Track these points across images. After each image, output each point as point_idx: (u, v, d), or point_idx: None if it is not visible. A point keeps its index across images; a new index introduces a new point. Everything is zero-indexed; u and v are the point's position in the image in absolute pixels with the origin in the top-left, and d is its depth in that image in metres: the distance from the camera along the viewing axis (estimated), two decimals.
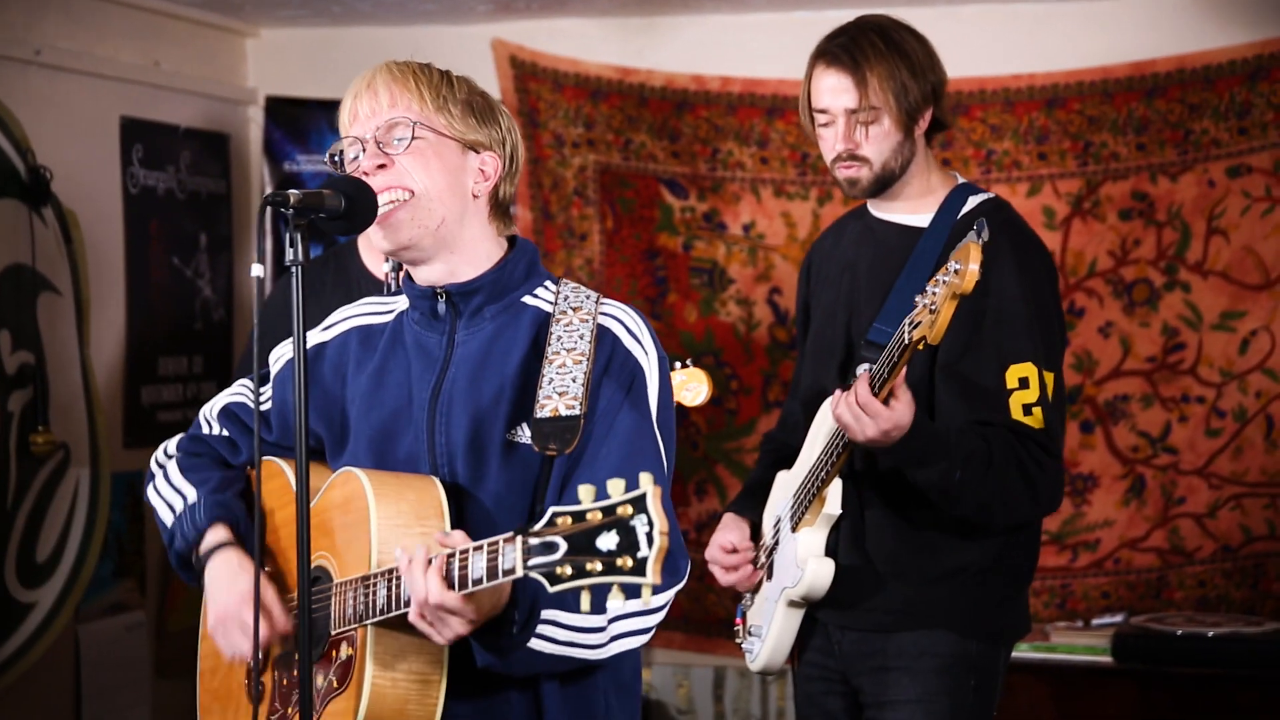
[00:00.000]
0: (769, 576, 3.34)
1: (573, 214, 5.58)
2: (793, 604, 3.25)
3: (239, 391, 2.75)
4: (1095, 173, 5.11)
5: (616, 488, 2.02)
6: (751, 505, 3.45)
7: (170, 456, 2.73)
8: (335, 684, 2.38)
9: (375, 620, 2.33)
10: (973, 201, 3.23)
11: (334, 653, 2.40)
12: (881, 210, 3.32)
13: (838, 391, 3.01)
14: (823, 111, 3.23)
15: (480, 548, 2.17)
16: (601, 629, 2.37)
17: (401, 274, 2.62)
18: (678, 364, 3.80)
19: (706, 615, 5.53)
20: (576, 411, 2.35)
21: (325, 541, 2.47)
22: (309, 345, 2.62)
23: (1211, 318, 5.07)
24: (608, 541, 2.00)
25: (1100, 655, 4.64)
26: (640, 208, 5.53)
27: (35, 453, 4.69)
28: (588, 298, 2.53)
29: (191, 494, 2.63)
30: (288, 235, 2.27)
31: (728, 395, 5.49)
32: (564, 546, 2.03)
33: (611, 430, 2.42)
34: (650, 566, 1.97)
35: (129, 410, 5.17)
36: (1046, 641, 4.79)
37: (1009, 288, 3.10)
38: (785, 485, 3.35)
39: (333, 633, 2.41)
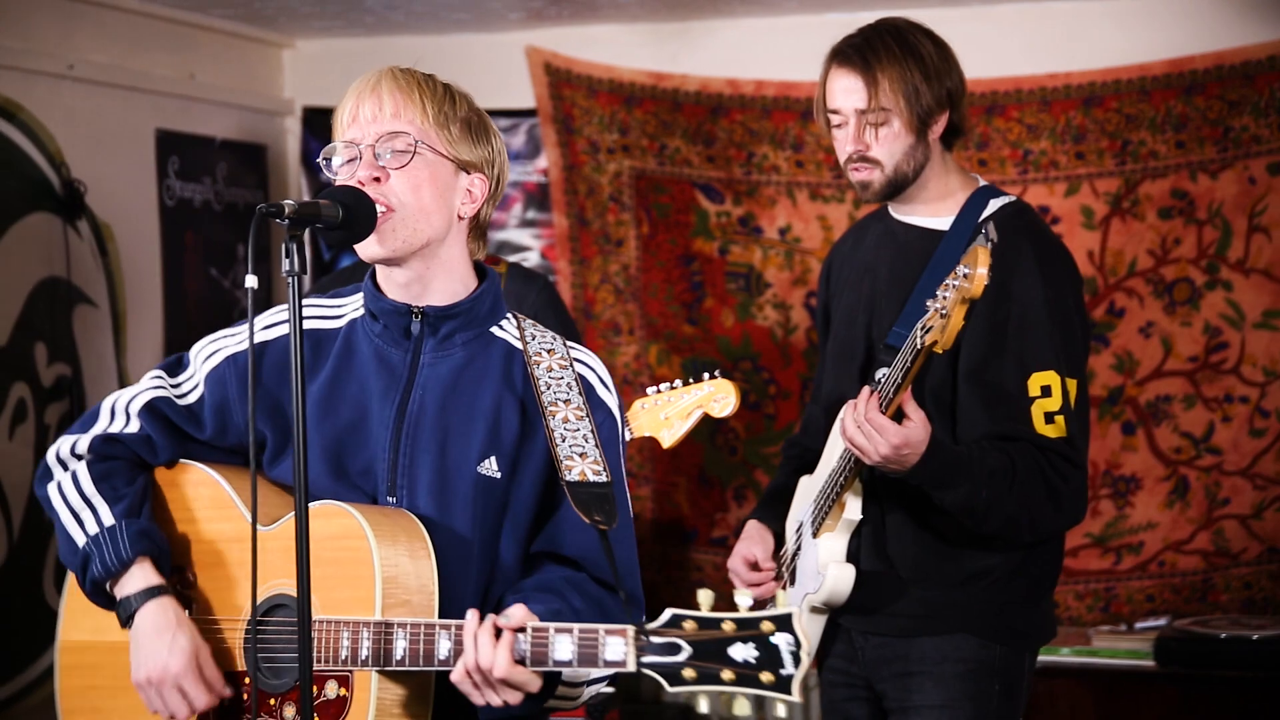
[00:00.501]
0: (792, 583, 3.32)
1: (608, 220, 5.56)
2: (815, 610, 3.22)
3: (158, 386, 2.60)
4: (1134, 171, 5.03)
5: (745, 600, 2.15)
6: (775, 512, 3.42)
7: (79, 457, 2.57)
8: None
9: (390, 670, 2.31)
10: (994, 204, 3.18)
11: (315, 689, 2.34)
12: (902, 213, 3.28)
13: (848, 404, 2.99)
14: (835, 112, 3.20)
15: (567, 630, 2.19)
16: (588, 683, 2.40)
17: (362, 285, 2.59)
18: (705, 375, 3.76)
19: None
20: (605, 479, 2.38)
21: (288, 569, 2.37)
22: (246, 345, 2.56)
23: (1254, 316, 5.00)
24: (743, 653, 2.07)
25: (1143, 659, 4.61)
26: (676, 213, 5.50)
27: None
28: (553, 339, 2.55)
29: (107, 515, 2.50)
30: (285, 245, 2.24)
31: (766, 400, 5.45)
32: (688, 650, 2.09)
33: None
34: (795, 684, 2.06)
35: None
36: (1088, 645, 4.74)
37: (1032, 294, 3.06)
38: (807, 491, 3.33)
39: (317, 669, 2.34)
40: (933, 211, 3.22)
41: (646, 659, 2.11)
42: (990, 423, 3.04)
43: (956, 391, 3.09)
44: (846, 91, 3.16)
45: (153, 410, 2.57)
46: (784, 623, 2.07)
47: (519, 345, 2.53)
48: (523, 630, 2.22)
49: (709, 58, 5.46)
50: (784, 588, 3.35)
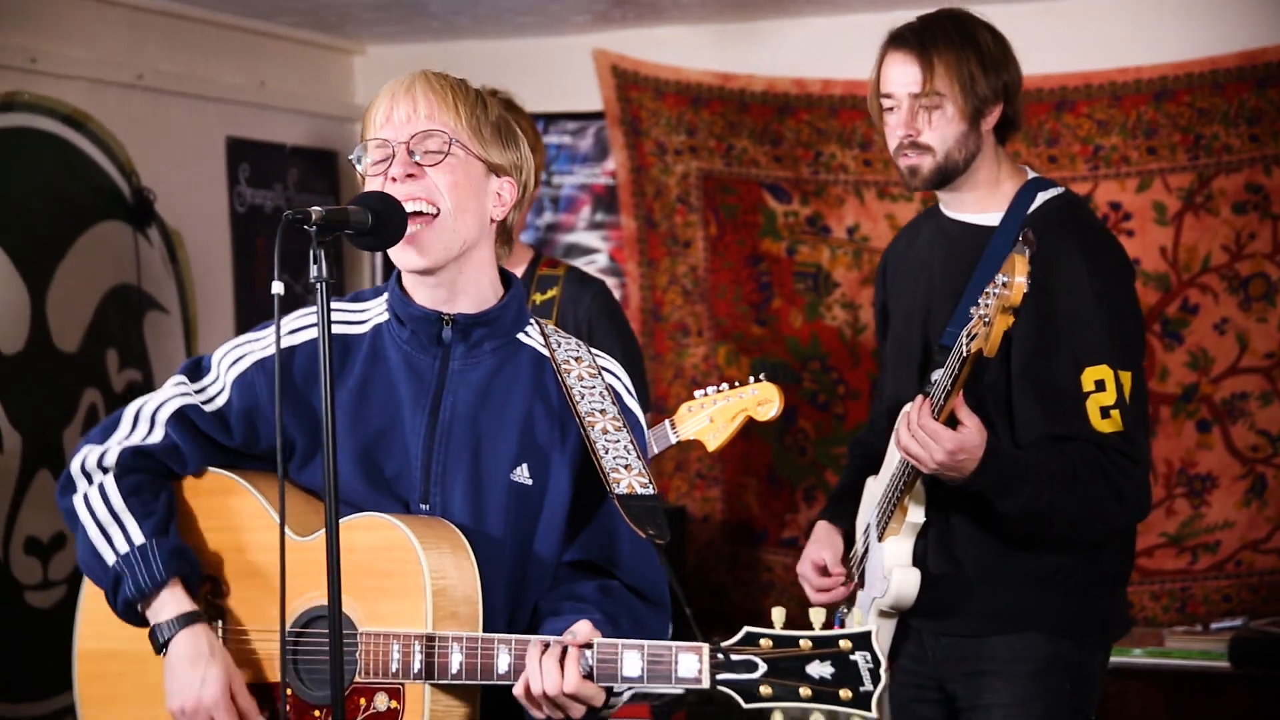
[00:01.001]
0: (861, 585, 3.30)
1: (676, 221, 5.55)
2: (884, 614, 3.19)
3: (184, 393, 2.55)
4: (1207, 166, 4.95)
5: (818, 618, 2.12)
6: (843, 512, 3.40)
7: (105, 470, 2.53)
8: None
9: (444, 683, 2.30)
10: (1042, 198, 3.14)
11: (361, 700, 2.34)
12: (953, 210, 3.25)
13: (902, 414, 2.96)
14: (888, 96, 3.17)
15: (636, 647, 2.19)
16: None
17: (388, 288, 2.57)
18: (751, 379, 3.75)
19: None
20: (652, 490, 2.36)
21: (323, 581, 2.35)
22: (273, 350, 2.48)
23: None
24: (821, 670, 2.08)
25: (1216, 660, 4.54)
26: (743, 213, 5.48)
27: None
28: (577, 345, 2.54)
29: (137, 533, 2.47)
30: (312, 252, 2.21)
31: (835, 400, 5.42)
32: (764, 667, 2.10)
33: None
34: (874, 702, 2.07)
35: None
36: (1161, 646, 4.68)
37: (1079, 288, 3.02)
38: (873, 492, 3.30)
39: (359, 680, 2.34)
40: (983, 207, 3.19)
41: (722, 676, 2.12)
42: (1045, 422, 3.02)
43: (1010, 388, 3.06)
44: (901, 75, 3.14)
45: (181, 419, 2.53)
46: (862, 641, 2.09)
47: (545, 352, 2.51)
48: (589, 646, 2.21)
49: (775, 58, 5.44)
50: (857, 591, 3.33)
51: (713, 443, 3.75)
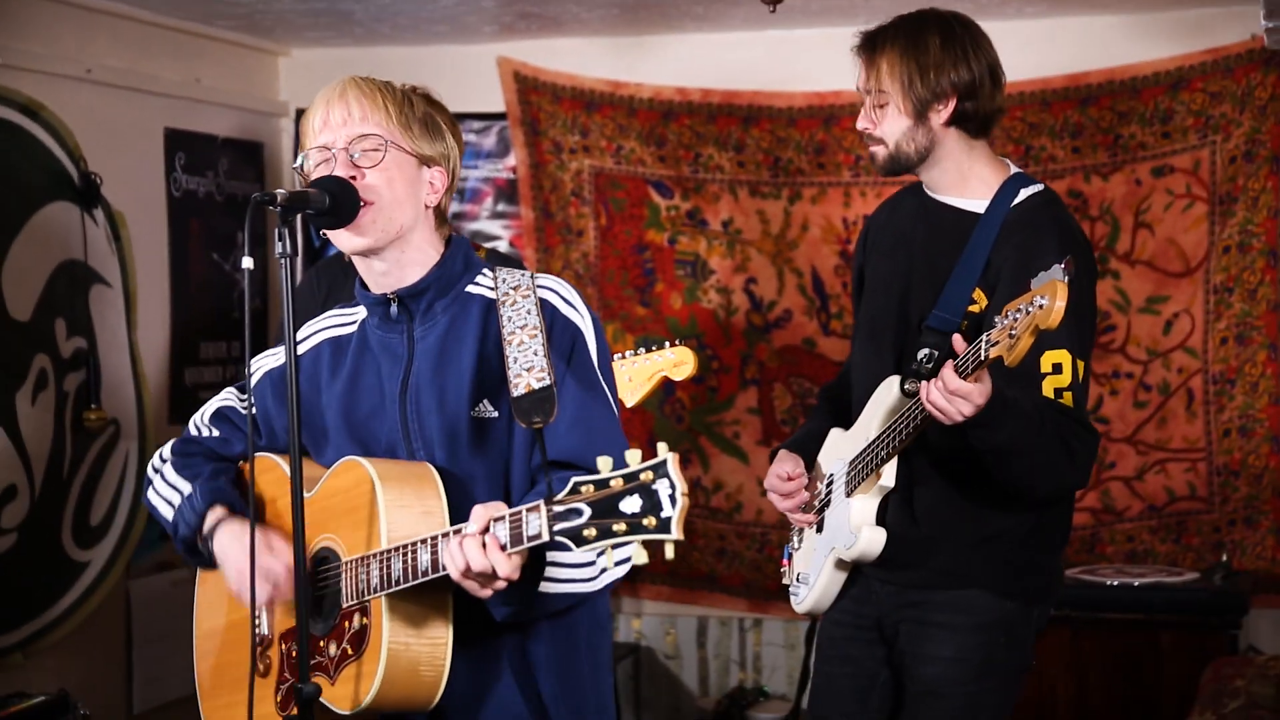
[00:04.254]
0: (819, 530, 3.23)
1: (570, 213, 5.60)
2: (840, 564, 3.16)
3: (227, 398, 2.73)
4: (1035, 173, 5.05)
5: (634, 457, 2.04)
6: (808, 451, 3.31)
7: (165, 460, 2.70)
8: (350, 651, 2.37)
9: (394, 590, 2.32)
10: (1024, 193, 3.08)
11: (346, 624, 2.39)
12: (937, 192, 3.18)
13: (923, 385, 2.83)
14: (859, 93, 3.17)
15: (502, 519, 2.19)
16: (593, 563, 2.37)
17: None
18: (667, 344, 3.80)
19: (691, 571, 5.57)
20: (548, 381, 2.34)
21: (332, 524, 2.45)
22: (282, 360, 2.61)
23: (1139, 302, 5.09)
24: (631, 505, 2.02)
25: None
26: (630, 207, 5.55)
27: (89, 428, 4.74)
28: (524, 275, 2.53)
29: (186, 487, 2.62)
30: (277, 230, 2.27)
31: (709, 374, 5.51)
32: (588, 512, 2.06)
33: (561, 395, 2.41)
34: (675, 523, 2.00)
35: (174, 390, 5.21)
36: None
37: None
38: (839, 445, 3.23)
39: (344, 605, 2.40)
40: (960, 191, 3.13)
41: (558, 527, 2.09)
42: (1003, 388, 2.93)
43: None
44: (859, 74, 3.14)
45: (221, 416, 2.70)
46: (661, 469, 2.02)
47: (493, 295, 2.51)
48: (487, 530, 2.21)
49: (661, 68, 5.50)
50: (810, 533, 3.26)
51: (630, 399, 3.72)
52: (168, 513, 2.64)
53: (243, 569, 2.47)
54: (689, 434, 5.54)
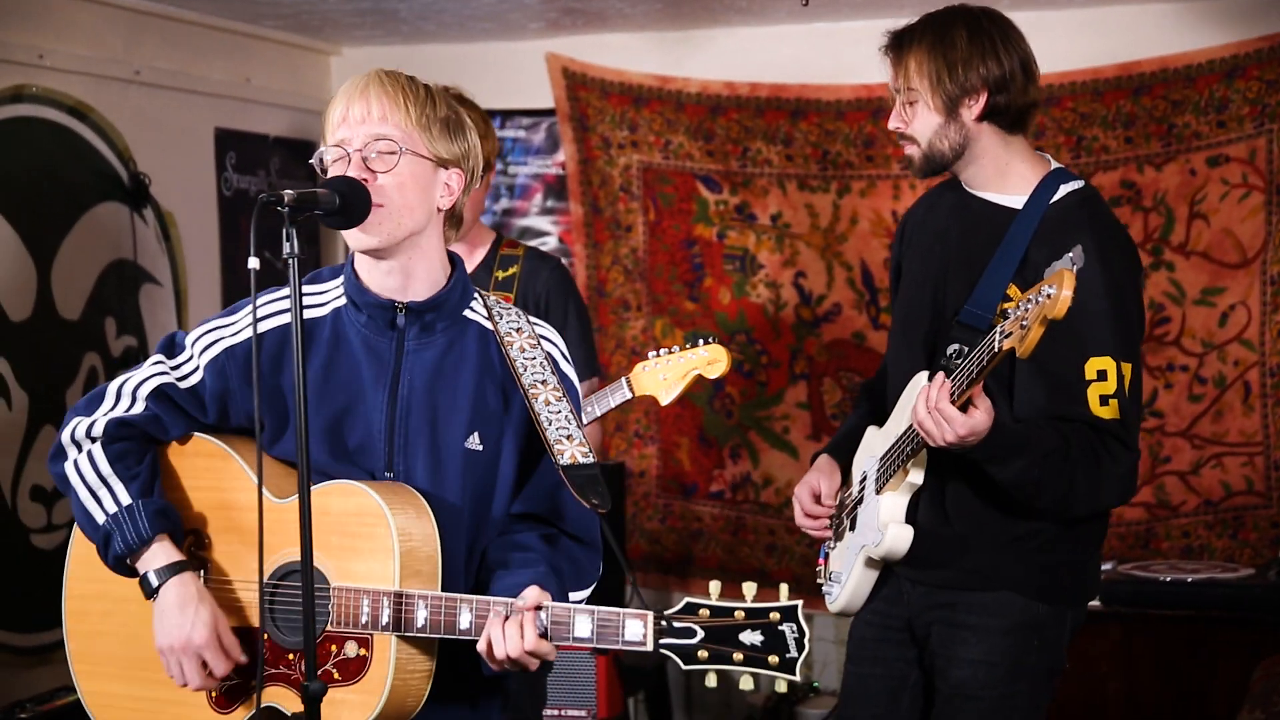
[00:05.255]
0: (852, 528, 3.18)
1: (619, 208, 5.57)
2: (871, 562, 3.11)
3: (161, 371, 2.52)
4: (1087, 164, 5.02)
5: (751, 590, 2.16)
6: (846, 450, 3.29)
7: (94, 439, 2.50)
8: (336, 676, 2.34)
9: (409, 636, 2.31)
10: (1064, 189, 3.01)
11: (333, 647, 2.35)
12: (975, 187, 3.10)
13: (921, 390, 2.83)
14: (890, 92, 3.12)
15: (587, 612, 2.22)
16: None
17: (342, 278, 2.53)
18: (700, 340, 3.74)
19: (741, 565, 5.51)
20: (591, 460, 2.36)
21: (315, 541, 2.31)
22: (244, 336, 2.51)
23: (1194, 294, 4.98)
24: (752, 638, 2.14)
25: None
26: (679, 201, 5.51)
27: None
28: (517, 315, 2.52)
29: (124, 494, 2.45)
30: (284, 230, 2.23)
31: (758, 369, 5.46)
32: (701, 634, 2.14)
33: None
34: (799, 667, 2.13)
35: None
36: None
37: (1091, 280, 2.85)
38: (872, 443, 3.18)
39: (332, 629, 2.35)
40: (999, 187, 3.05)
41: (665, 641, 2.15)
42: (1047, 403, 2.90)
43: (1014, 369, 2.94)
44: (889, 74, 3.08)
45: (159, 394, 2.51)
46: (789, 613, 2.14)
47: (489, 326, 2.49)
48: (541, 608, 2.23)
49: (709, 62, 5.46)
50: (845, 532, 3.22)
51: (665, 397, 3.70)
52: (95, 510, 2.46)
53: (182, 647, 2.41)
54: (738, 429, 5.49)
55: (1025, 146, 3.09)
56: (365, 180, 2.38)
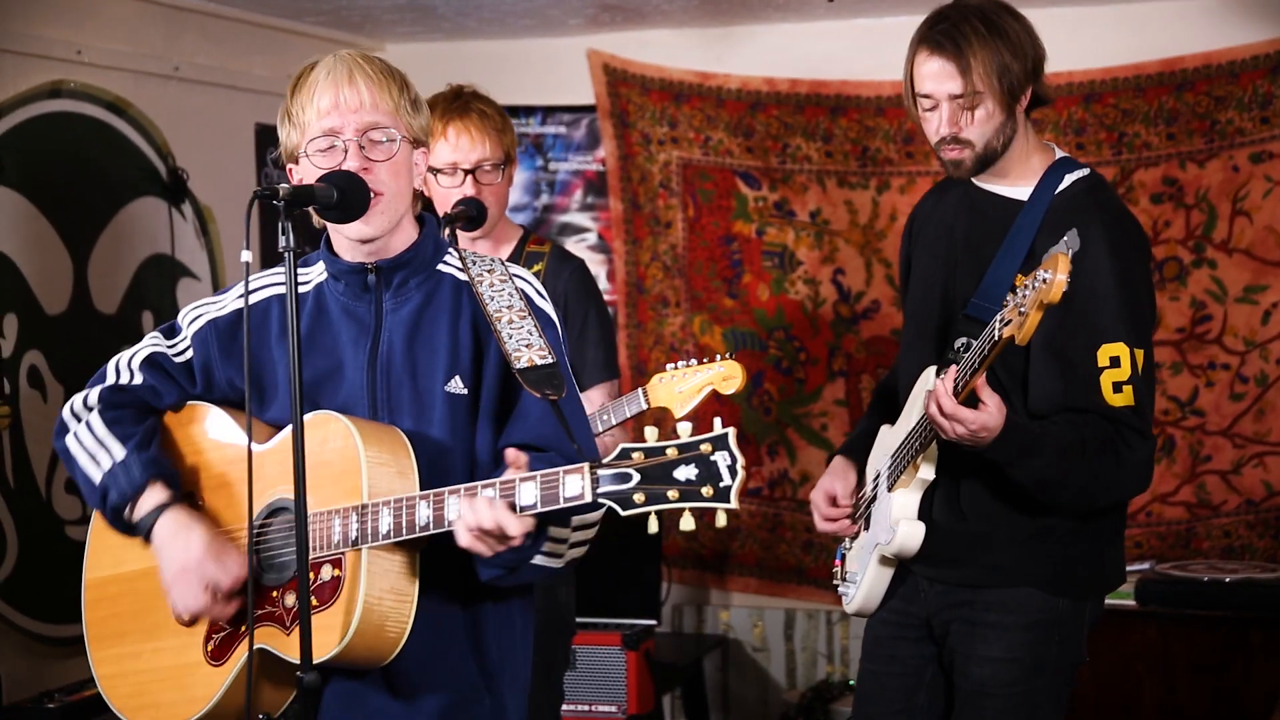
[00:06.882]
0: (866, 527, 3.14)
1: (658, 204, 5.53)
2: (885, 560, 3.05)
3: (155, 345, 2.60)
4: (1129, 161, 4.93)
5: (686, 429, 2.06)
6: (860, 450, 3.23)
7: (90, 408, 2.56)
8: (316, 603, 2.31)
9: (378, 545, 2.29)
10: (1069, 178, 2.94)
11: (311, 575, 2.32)
12: (981, 179, 3.02)
13: (935, 380, 2.78)
14: (927, 97, 2.93)
15: (532, 478, 2.17)
16: (566, 540, 2.36)
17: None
18: (718, 356, 3.71)
19: (779, 563, 5.46)
20: (550, 359, 2.35)
21: (285, 478, 2.34)
22: (228, 310, 2.57)
23: (1235, 291, 4.88)
24: (686, 473, 2.05)
25: (1124, 599, 4.46)
26: (718, 198, 5.46)
27: None
28: (492, 261, 2.52)
29: (119, 450, 2.50)
30: (280, 224, 2.22)
31: (797, 366, 5.40)
32: (637, 477, 2.06)
33: None
34: (734, 493, 2.04)
35: None
36: None
37: (1100, 267, 2.81)
38: (885, 441, 3.13)
39: (311, 557, 2.34)
40: (1011, 180, 2.98)
41: (602, 489, 2.08)
42: (1062, 393, 2.84)
43: (1028, 360, 2.88)
44: (939, 77, 2.90)
45: (152, 363, 2.57)
46: (721, 442, 2.05)
47: (463, 275, 2.50)
48: (490, 486, 2.21)
49: (749, 59, 5.41)
50: (860, 531, 3.18)
51: (679, 410, 3.65)
52: (94, 472, 2.51)
53: (184, 569, 2.42)
54: (776, 426, 5.43)
55: (1035, 133, 3.02)
56: (364, 170, 2.38)
